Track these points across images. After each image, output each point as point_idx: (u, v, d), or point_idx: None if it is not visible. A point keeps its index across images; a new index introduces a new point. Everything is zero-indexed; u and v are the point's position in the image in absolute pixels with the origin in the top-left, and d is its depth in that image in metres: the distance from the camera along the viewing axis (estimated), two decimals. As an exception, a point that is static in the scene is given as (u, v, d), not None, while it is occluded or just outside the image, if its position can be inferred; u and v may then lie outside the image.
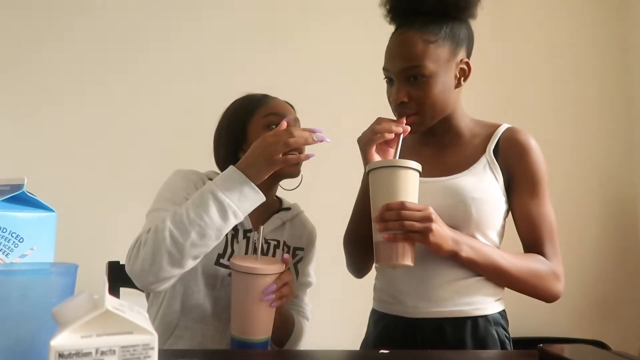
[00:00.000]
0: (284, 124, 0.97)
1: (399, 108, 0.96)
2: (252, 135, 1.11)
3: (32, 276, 0.54)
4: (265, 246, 1.11)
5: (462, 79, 0.99)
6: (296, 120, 1.16)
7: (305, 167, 1.13)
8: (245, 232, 1.10)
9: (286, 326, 1.08)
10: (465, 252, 0.88)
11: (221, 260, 1.05)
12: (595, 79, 2.28)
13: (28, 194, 0.69)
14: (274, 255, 1.11)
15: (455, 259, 0.89)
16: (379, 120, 0.94)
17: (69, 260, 0.58)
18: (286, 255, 0.97)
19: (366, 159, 0.94)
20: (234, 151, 1.13)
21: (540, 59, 2.27)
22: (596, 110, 2.27)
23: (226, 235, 1.05)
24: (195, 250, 0.89)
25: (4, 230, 0.64)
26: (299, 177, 1.13)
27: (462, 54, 0.98)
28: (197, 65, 2.03)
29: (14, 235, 0.65)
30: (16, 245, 0.65)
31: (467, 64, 0.99)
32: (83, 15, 2.04)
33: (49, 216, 0.69)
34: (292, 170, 1.10)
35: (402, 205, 0.82)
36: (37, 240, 0.67)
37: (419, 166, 0.86)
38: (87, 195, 1.92)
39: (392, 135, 0.91)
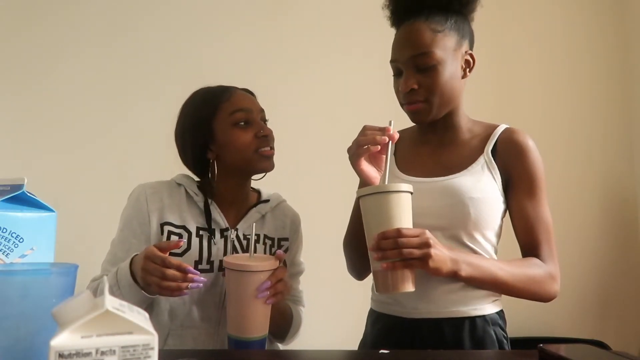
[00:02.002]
0: (180, 243, 0.94)
1: (408, 96, 0.97)
2: (219, 134, 1.09)
3: (32, 276, 0.54)
4: (244, 242, 1.10)
5: (468, 70, 1.00)
6: (261, 111, 1.14)
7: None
8: (222, 231, 1.09)
9: (285, 319, 1.08)
10: (465, 270, 0.87)
11: (199, 267, 1.04)
12: (594, 79, 2.28)
13: (28, 194, 0.69)
14: (254, 251, 1.10)
15: (454, 278, 0.88)
16: (364, 131, 0.91)
17: (69, 260, 0.58)
18: (279, 252, 0.96)
19: (356, 171, 0.92)
20: (201, 152, 1.11)
21: (539, 59, 2.27)
22: (596, 110, 2.27)
23: (199, 238, 1.06)
24: None
25: (4, 230, 0.64)
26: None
27: (466, 46, 1.00)
28: (198, 65, 2.04)
29: (14, 235, 0.65)
30: (16, 245, 0.65)
31: (472, 55, 1.01)
32: (82, 15, 2.04)
33: (49, 216, 0.69)
34: (265, 165, 1.09)
35: (399, 233, 0.80)
36: (37, 240, 0.67)
37: (410, 187, 0.84)
38: (87, 195, 1.92)
39: (378, 147, 0.88)
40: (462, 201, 0.94)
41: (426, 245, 0.81)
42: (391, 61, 1.00)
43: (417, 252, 0.80)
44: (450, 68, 0.96)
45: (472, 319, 0.95)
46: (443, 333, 0.94)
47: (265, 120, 1.15)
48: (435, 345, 0.93)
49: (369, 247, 0.84)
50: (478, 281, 0.90)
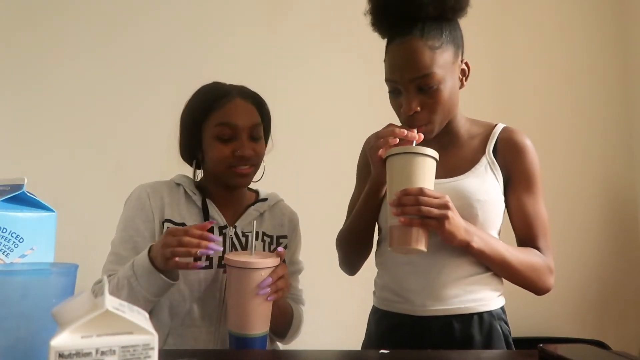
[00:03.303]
0: (212, 222, 0.97)
1: (410, 119, 0.95)
2: (205, 142, 1.09)
3: (32, 276, 0.54)
4: (243, 240, 1.10)
5: (464, 79, 1.00)
6: (256, 125, 1.09)
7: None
8: (221, 229, 1.10)
9: (285, 318, 1.08)
10: (477, 243, 0.89)
11: (198, 263, 1.03)
12: (594, 79, 2.28)
13: (28, 194, 0.69)
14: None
15: (466, 249, 0.90)
16: (387, 126, 0.94)
17: (69, 260, 0.58)
18: (280, 249, 0.96)
19: (372, 162, 0.95)
20: (192, 153, 1.14)
21: (540, 59, 2.27)
22: (596, 110, 2.27)
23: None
24: None
25: (4, 230, 0.64)
26: (262, 169, 1.13)
27: (461, 55, 0.99)
28: (198, 65, 2.03)
29: (14, 235, 0.65)
30: (16, 245, 0.65)
31: (467, 64, 1.00)
32: (82, 15, 2.04)
33: (49, 216, 0.69)
34: (236, 182, 1.09)
35: (421, 192, 0.83)
36: (37, 240, 0.67)
37: (436, 154, 0.86)
38: (87, 195, 1.92)
39: (397, 140, 0.90)
40: (470, 204, 0.95)
41: (445, 207, 0.84)
42: (388, 80, 0.96)
43: (436, 211, 0.83)
44: (450, 83, 0.95)
45: (480, 314, 0.96)
46: (453, 329, 0.95)
47: (256, 138, 1.10)
48: (446, 341, 0.94)
49: (389, 203, 0.86)
50: (486, 257, 0.92)
